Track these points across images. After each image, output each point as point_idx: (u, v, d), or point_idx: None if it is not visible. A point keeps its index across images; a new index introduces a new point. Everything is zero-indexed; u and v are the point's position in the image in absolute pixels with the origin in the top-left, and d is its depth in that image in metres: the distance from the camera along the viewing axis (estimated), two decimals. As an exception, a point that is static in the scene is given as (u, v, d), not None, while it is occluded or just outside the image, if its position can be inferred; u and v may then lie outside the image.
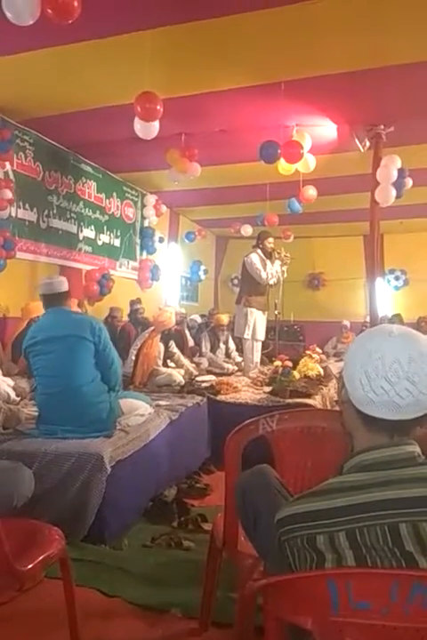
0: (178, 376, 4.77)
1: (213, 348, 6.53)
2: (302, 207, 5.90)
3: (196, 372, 5.28)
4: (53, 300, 3.07)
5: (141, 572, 2.40)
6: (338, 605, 0.95)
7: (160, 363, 4.93)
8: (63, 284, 3.13)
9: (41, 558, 1.64)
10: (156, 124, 3.77)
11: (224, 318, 6.61)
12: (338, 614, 0.95)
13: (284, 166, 4.58)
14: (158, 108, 3.57)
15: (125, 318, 6.41)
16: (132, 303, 6.59)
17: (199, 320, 8.06)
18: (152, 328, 4.95)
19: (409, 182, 4.87)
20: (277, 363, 5.21)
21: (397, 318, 8.16)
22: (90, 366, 2.98)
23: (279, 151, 4.38)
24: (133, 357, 4.76)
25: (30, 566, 1.59)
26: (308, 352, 5.91)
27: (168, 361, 5.22)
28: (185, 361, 5.42)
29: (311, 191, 5.44)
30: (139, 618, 2.09)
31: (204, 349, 6.49)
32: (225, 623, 1.95)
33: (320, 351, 6.71)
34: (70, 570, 1.79)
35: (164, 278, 8.01)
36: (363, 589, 0.94)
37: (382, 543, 0.97)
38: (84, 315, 3.23)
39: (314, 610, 0.99)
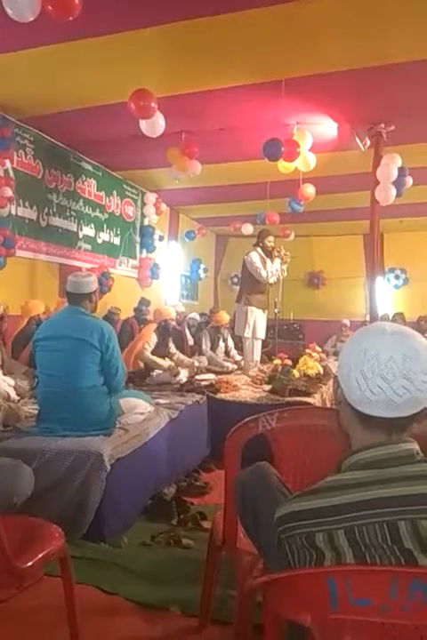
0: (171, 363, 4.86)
1: (213, 347, 6.52)
2: (303, 206, 5.89)
3: (198, 364, 5.28)
4: (74, 299, 3.02)
5: (141, 570, 2.40)
6: (337, 603, 0.95)
7: (149, 351, 4.93)
8: (88, 285, 3.01)
9: (41, 556, 1.64)
10: (161, 122, 3.75)
11: (225, 316, 6.61)
12: (337, 611, 0.96)
13: (283, 165, 4.57)
14: (153, 105, 3.54)
15: (124, 316, 6.41)
16: (141, 302, 6.57)
17: (199, 319, 8.04)
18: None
19: (409, 181, 4.87)
20: (277, 361, 5.22)
21: (399, 317, 8.17)
22: (92, 371, 2.94)
23: (283, 149, 4.37)
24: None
25: (30, 564, 1.59)
26: (307, 351, 5.91)
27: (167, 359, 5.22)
28: (184, 357, 5.41)
29: (309, 189, 5.41)
30: (138, 615, 2.09)
31: (204, 347, 6.49)
32: (224, 621, 1.95)
33: (320, 350, 6.70)
34: (70, 567, 1.79)
35: (163, 277, 8.01)
36: (362, 587, 0.94)
37: (381, 541, 0.97)
38: (96, 319, 3.14)
39: (313, 607, 0.99)
